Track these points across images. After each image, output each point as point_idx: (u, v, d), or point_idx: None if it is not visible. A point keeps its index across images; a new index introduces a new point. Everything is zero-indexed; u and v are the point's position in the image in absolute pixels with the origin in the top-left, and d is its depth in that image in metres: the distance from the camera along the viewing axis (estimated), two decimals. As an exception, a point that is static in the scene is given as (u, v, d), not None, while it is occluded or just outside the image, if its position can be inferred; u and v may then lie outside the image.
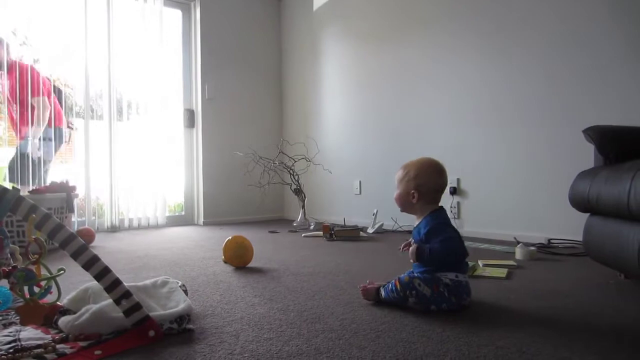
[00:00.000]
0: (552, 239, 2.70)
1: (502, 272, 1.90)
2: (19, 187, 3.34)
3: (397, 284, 1.38)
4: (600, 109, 2.55)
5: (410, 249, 1.40)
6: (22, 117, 3.59)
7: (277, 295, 1.60)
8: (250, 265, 2.17)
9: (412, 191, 1.44)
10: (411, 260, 1.40)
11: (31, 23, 3.81)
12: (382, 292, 1.44)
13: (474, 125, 3.19)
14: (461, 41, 3.25)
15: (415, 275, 1.36)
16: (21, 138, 3.61)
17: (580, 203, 1.81)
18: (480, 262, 2.08)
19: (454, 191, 3.28)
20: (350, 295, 1.59)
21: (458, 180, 3.28)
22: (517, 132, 2.95)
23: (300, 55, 4.68)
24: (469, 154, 3.21)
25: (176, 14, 4.42)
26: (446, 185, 1.46)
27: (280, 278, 1.90)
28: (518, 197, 2.92)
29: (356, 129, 4.06)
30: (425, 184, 1.43)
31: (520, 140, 2.94)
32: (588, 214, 1.86)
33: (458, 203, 3.29)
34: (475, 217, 3.19)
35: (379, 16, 3.86)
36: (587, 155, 2.60)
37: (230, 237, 2.18)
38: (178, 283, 1.46)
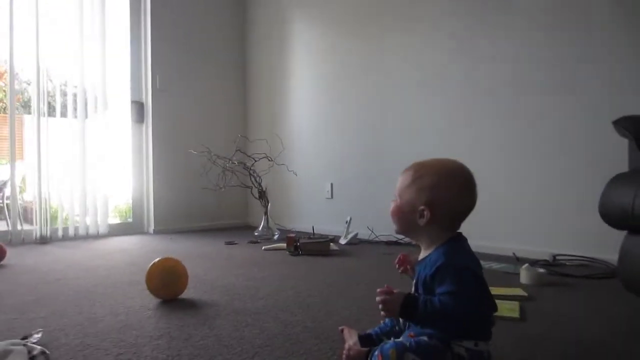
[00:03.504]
0: (557, 255, 2.26)
1: (513, 309, 1.43)
2: None
3: (380, 358, 0.88)
4: (625, 98, 2.13)
5: (384, 297, 0.90)
6: None
7: (199, 355, 1.09)
8: (185, 295, 1.66)
9: (422, 207, 0.94)
10: (382, 313, 0.92)
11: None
12: None
13: (466, 120, 2.74)
14: (456, 30, 2.80)
15: (408, 344, 0.87)
16: None
17: (617, 216, 1.35)
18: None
19: (440, 196, 2.82)
20: (309, 354, 1.09)
21: (445, 183, 2.83)
22: (512, 124, 2.52)
23: (266, 42, 4.15)
24: (460, 152, 2.75)
25: (123, -4, 3.83)
26: (473, 208, 0.98)
27: (216, 319, 1.39)
28: (516, 203, 2.48)
29: (328, 124, 3.57)
30: (447, 201, 0.93)
31: (515, 136, 2.50)
32: (625, 231, 1.42)
33: (445, 210, 2.83)
34: (465, 226, 2.74)
35: (355, -5, 3.39)
36: (600, 153, 2.19)
37: (155, 260, 1.65)
38: (34, 349, 0.94)
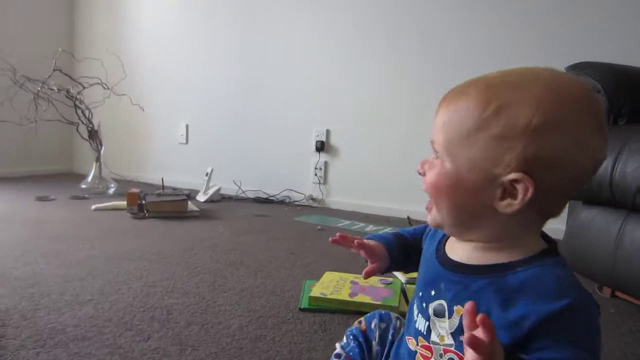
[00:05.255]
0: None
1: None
2: None
3: None
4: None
5: (479, 339, 0.37)
6: None
7: None
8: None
9: (516, 176, 0.43)
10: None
11: None
12: None
13: (358, 59, 2.34)
14: None
15: None
16: None
17: (590, 188, 1.08)
18: (401, 277, 1.24)
19: (322, 147, 2.43)
20: None
21: (327, 132, 2.44)
22: (409, 69, 2.21)
23: None
24: (346, 97, 2.38)
25: None
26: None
27: (-6, 363, 0.76)
28: (404, 159, 2.19)
29: (187, 47, 2.85)
30: (569, 155, 0.43)
31: (415, 81, 2.20)
32: (580, 201, 1.17)
33: (325, 163, 2.46)
34: (347, 184, 2.42)
35: None
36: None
37: None
38: None
